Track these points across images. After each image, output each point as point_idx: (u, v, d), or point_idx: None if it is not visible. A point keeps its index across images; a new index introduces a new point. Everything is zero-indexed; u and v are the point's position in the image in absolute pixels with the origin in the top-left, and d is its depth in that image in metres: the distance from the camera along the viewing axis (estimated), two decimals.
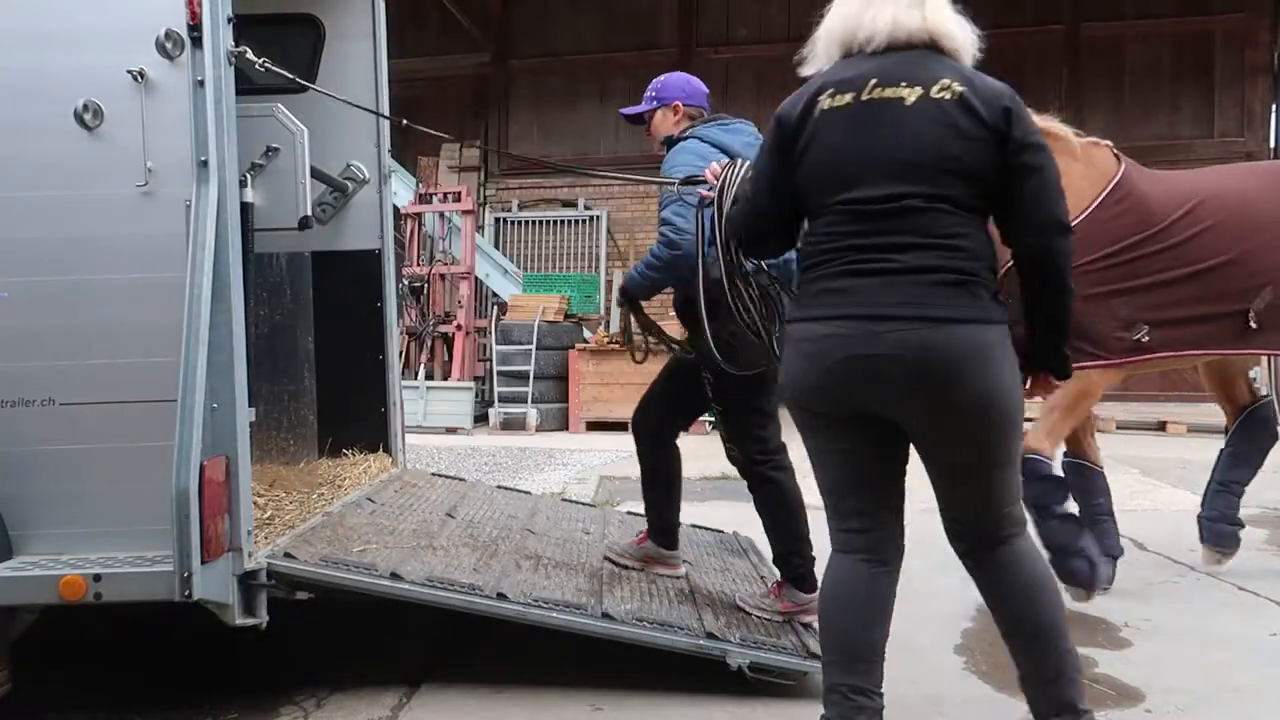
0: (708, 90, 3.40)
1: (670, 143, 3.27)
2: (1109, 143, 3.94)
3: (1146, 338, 3.67)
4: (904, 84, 2.07)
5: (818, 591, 2.37)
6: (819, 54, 2.28)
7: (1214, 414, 9.58)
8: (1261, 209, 3.82)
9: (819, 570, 2.55)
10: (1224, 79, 10.53)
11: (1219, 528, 4.32)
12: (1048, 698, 2.15)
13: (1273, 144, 10.49)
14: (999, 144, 2.06)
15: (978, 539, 2.23)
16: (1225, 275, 3.73)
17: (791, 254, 2.56)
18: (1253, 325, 3.76)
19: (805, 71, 2.29)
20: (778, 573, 3.30)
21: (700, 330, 2.88)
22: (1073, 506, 3.79)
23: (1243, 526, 4.38)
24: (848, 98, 2.11)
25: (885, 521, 2.24)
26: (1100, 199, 3.70)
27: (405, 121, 3.48)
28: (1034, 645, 2.18)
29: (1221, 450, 4.38)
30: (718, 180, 2.76)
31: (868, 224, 2.07)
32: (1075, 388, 3.54)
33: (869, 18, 2.16)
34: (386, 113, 3.90)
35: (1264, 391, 4.55)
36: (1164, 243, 3.69)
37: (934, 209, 2.04)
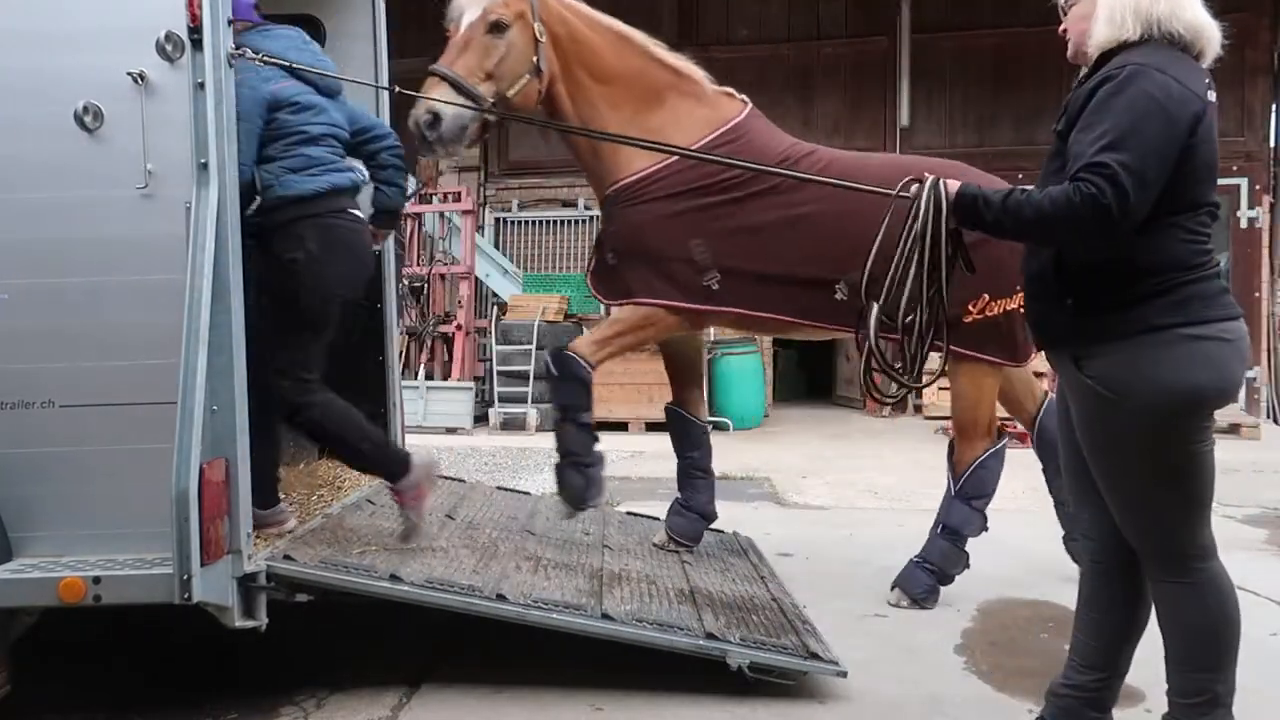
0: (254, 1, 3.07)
1: None
2: (745, 98, 3.80)
3: (716, 285, 3.48)
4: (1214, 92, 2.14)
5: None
6: (1130, 34, 2.13)
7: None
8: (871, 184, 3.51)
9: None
10: (1224, 79, 10.43)
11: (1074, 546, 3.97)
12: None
13: (1273, 144, 10.49)
14: None
15: None
16: (822, 238, 3.45)
17: None
18: (839, 297, 3.49)
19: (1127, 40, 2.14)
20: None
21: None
22: (590, 417, 3.62)
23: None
24: (1213, 96, 2.12)
25: None
26: (709, 137, 3.54)
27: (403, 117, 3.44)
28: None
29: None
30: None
31: (1212, 228, 2.17)
32: (641, 313, 3.55)
33: (1198, 17, 2.15)
34: (386, 119, 3.89)
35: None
36: (757, 190, 3.46)
37: None
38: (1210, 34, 2.14)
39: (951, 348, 3.00)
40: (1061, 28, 2.34)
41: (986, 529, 3.81)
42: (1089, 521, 2.34)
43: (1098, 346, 2.11)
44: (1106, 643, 2.34)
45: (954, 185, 2.29)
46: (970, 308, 3.51)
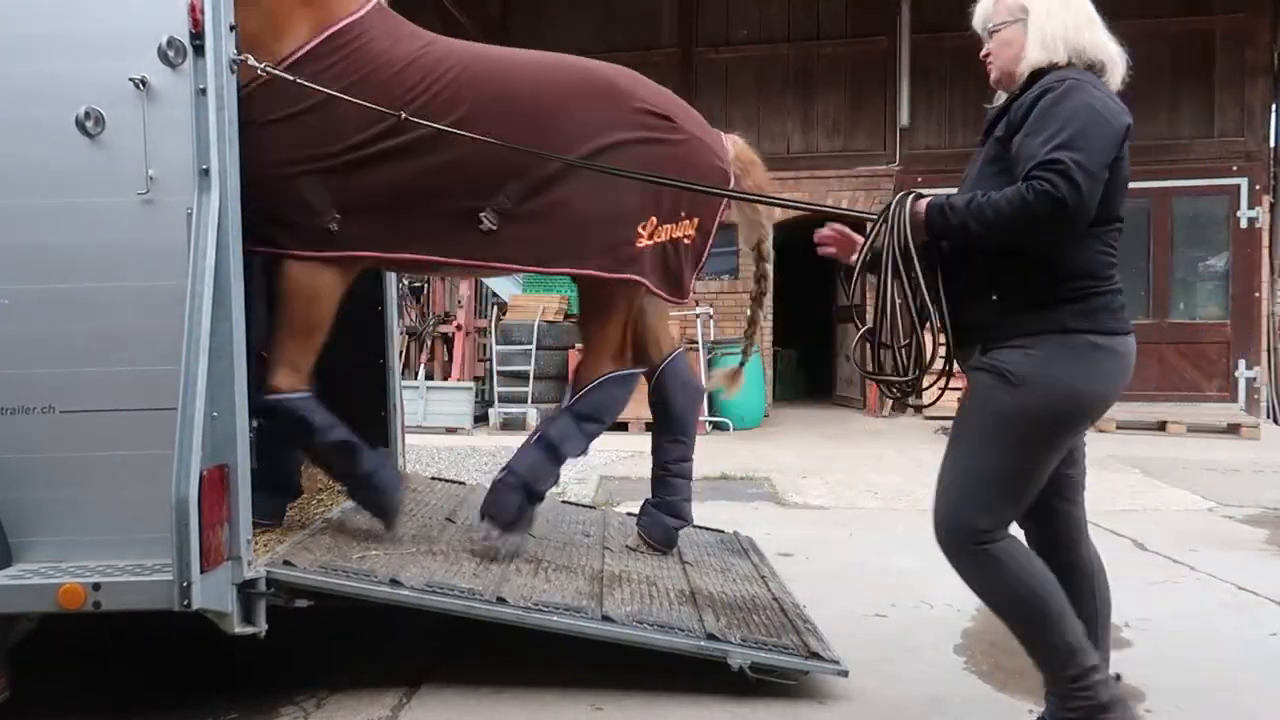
0: None
1: None
2: None
3: (335, 226, 2.98)
4: None
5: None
6: (1059, 58, 2.31)
7: (1214, 414, 9.62)
8: (523, 91, 3.10)
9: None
10: (1224, 79, 10.53)
11: (657, 517, 3.76)
12: None
13: (1273, 144, 10.49)
14: None
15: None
16: (453, 161, 2.99)
17: None
18: (486, 228, 3.08)
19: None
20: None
21: None
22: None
23: (685, 523, 3.81)
24: (1129, 119, 2.26)
25: None
26: (311, 47, 2.92)
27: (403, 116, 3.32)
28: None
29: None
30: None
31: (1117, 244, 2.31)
32: (283, 276, 3.05)
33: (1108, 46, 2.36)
34: None
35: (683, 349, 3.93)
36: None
37: None
38: (1119, 65, 2.35)
39: (635, 277, 3.19)
40: (983, 52, 2.46)
41: (586, 453, 3.50)
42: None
43: (1011, 340, 2.25)
44: None
45: (922, 203, 2.33)
46: (640, 230, 3.23)
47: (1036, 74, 2.29)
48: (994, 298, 2.28)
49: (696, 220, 3.37)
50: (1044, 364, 2.20)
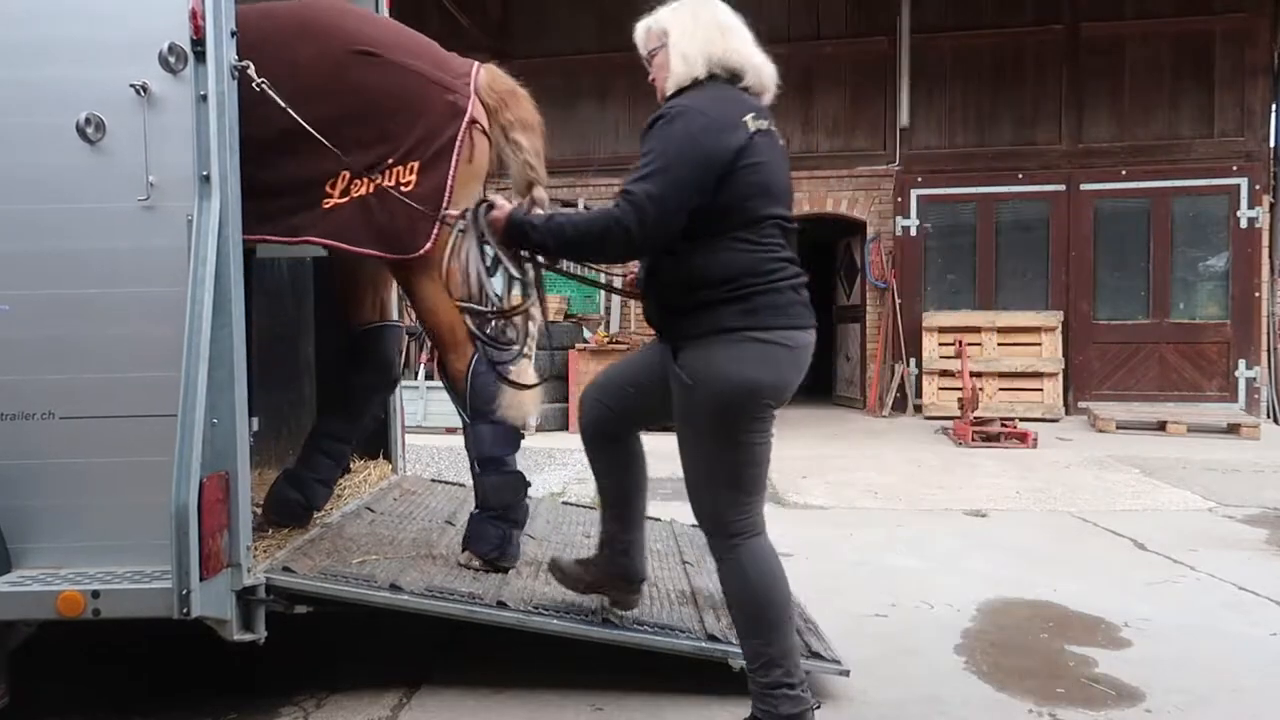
0: None
1: None
2: None
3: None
4: (769, 121, 2.45)
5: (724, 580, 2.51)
6: (699, 72, 2.44)
7: (1215, 414, 9.61)
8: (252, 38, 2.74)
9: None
10: (1224, 79, 10.52)
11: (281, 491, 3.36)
12: None
13: (1273, 144, 10.48)
14: None
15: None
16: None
17: None
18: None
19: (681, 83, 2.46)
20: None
21: None
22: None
23: (312, 508, 3.40)
24: (765, 123, 2.43)
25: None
26: None
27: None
28: None
29: None
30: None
31: (789, 240, 2.45)
32: None
33: (749, 54, 2.49)
34: None
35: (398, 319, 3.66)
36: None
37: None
38: (765, 70, 2.49)
39: (321, 240, 2.96)
40: (650, 78, 2.59)
41: (523, 437, 3.26)
42: (616, 397, 2.72)
43: (684, 342, 2.42)
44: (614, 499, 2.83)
45: (501, 212, 2.52)
46: (329, 189, 2.95)
47: (680, 91, 2.44)
48: (662, 305, 2.49)
49: (415, 164, 2.96)
50: (709, 363, 2.37)
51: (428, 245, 2.98)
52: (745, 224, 2.37)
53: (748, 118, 2.37)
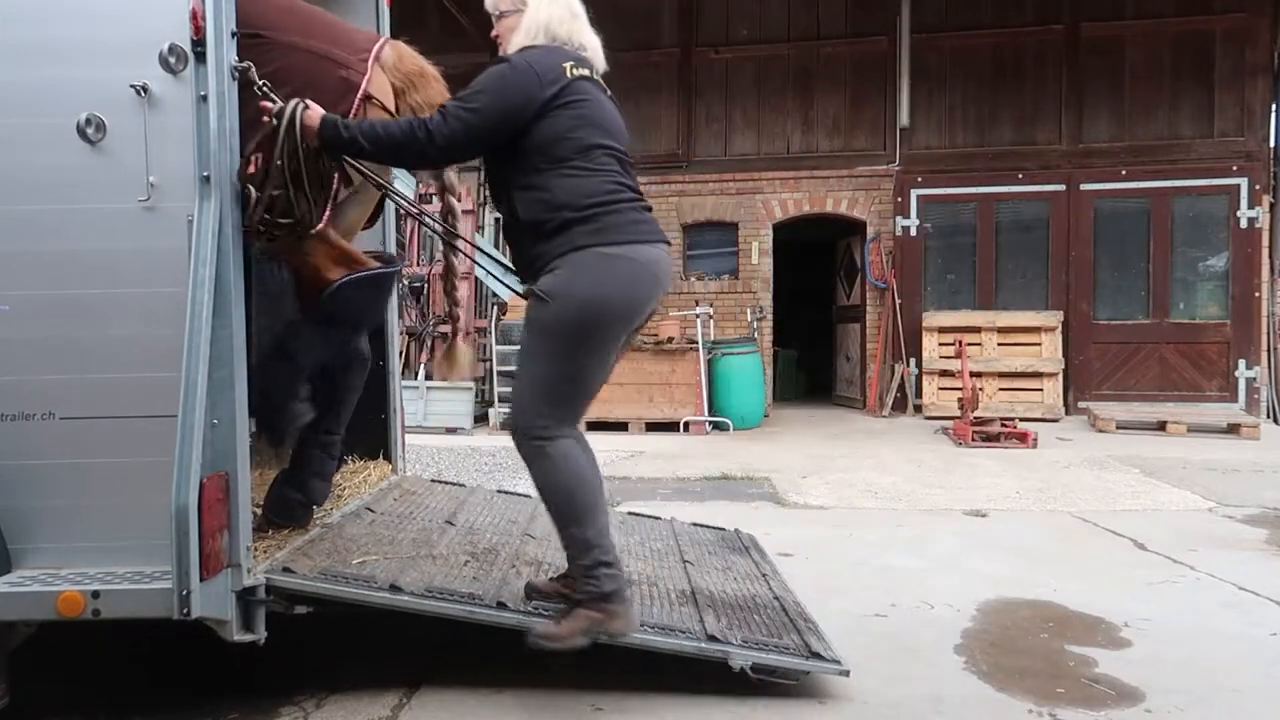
0: None
1: None
2: None
3: None
4: (591, 70, 2.83)
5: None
6: (538, 38, 2.80)
7: (1215, 414, 9.62)
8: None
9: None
10: (1224, 79, 10.52)
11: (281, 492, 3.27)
12: None
13: (1273, 144, 10.49)
14: None
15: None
16: None
17: None
18: None
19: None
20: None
21: None
22: None
23: (313, 505, 3.32)
24: (586, 71, 2.78)
25: None
26: None
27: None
28: None
29: None
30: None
31: (627, 171, 2.75)
32: None
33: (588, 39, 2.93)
34: None
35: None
36: None
37: None
38: (598, 55, 2.91)
39: None
40: (494, 33, 2.92)
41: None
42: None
43: (546, 265, 2.64)
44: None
45: (315, 114, 2.64)
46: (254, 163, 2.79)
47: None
48: (522, 243, 2.73)
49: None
50: (565, 280, 2.59)
51: (324, 223, 2.90)
52: (578, 151, 2.65)
53: (567, 64, 2.70)
